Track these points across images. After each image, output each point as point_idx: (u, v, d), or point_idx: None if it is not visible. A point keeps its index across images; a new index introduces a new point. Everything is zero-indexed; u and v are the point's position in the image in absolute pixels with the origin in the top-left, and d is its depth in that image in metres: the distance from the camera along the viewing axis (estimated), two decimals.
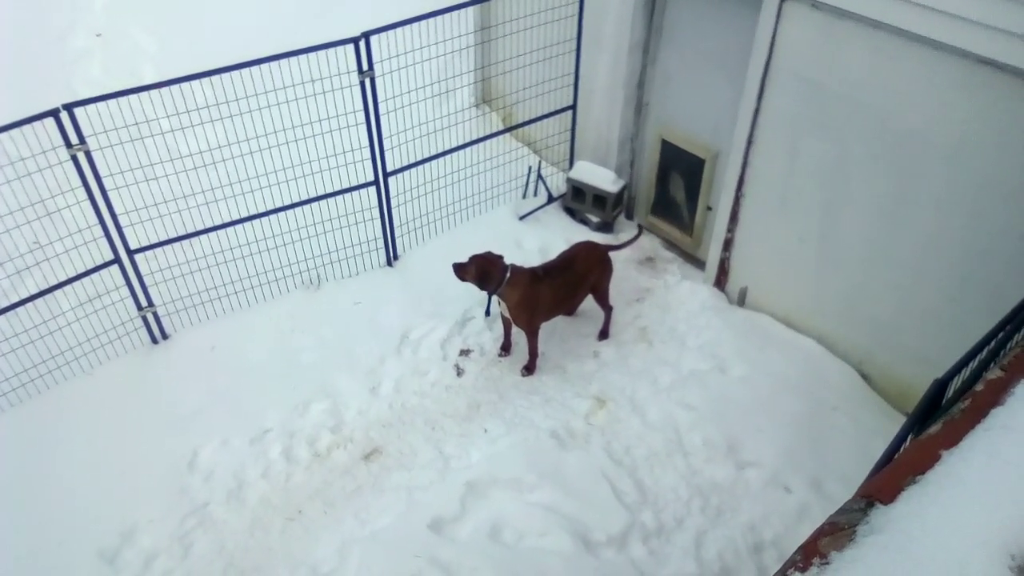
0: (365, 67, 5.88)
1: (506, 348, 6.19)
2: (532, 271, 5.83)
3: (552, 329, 6.29)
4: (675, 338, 6.28)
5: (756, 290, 6.48)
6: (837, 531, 1.58)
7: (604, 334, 6.33)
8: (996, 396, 1.90)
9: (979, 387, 2.00)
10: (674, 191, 7.11)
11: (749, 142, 5.94)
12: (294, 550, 4.98)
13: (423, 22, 6.08)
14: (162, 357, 6.14)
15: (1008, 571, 1.50)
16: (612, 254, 6.24)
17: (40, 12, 9.19)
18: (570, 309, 6.38)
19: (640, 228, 6.71)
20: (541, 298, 5.78)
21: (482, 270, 5.67)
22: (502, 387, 5.98)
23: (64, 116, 5.11)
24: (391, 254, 6.90)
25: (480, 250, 5.80)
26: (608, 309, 6.29)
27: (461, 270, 5.72)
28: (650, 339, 6.31)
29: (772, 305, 6.40)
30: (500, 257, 5.78)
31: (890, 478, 1.70)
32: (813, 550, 1.54)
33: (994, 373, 2.06)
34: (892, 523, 1.59)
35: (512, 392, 5.93)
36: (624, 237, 7.14)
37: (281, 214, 6.37)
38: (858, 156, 5.34)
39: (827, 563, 1.51)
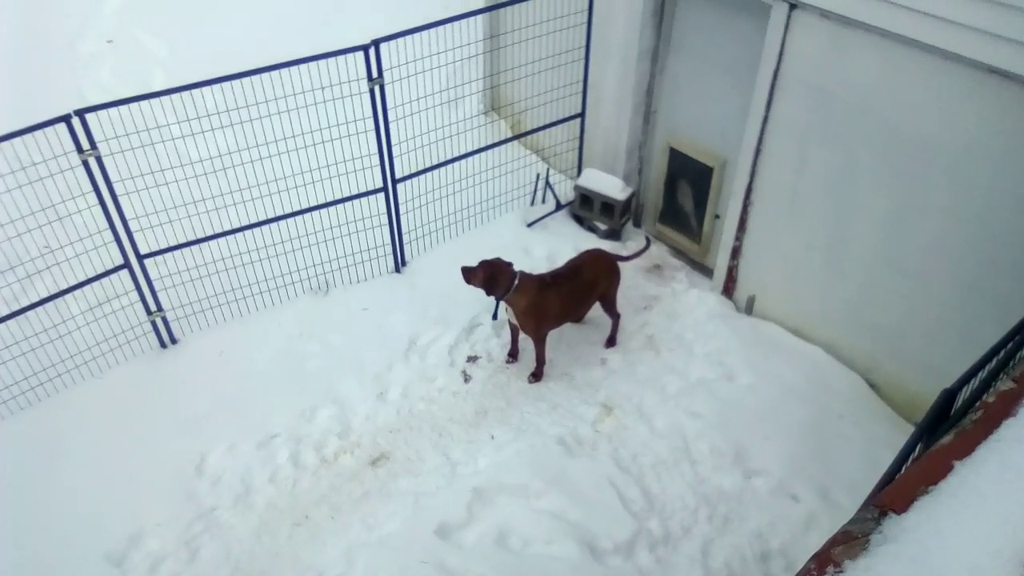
0: (374, 74, 5.91)
1: (513, 355, 6.20)
2: (540, 278, 5.84)
3: (559, 336, 6.30)
4: (682, 346, 6.28)
5: (764, 298, 6.47)
6: (850, 540, 1.59)
7: (611, 341, 6.34)
8: (1008, 407, 1.91)
9: (990, 398, 2.00)
10: (682, 199, 7.12)
11: (757, 150, 5.95)
12: (301, 555, 4.99)
13: (432, 30, 6.10)
14: (171, 362, 6.17)
15: None
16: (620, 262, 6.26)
17: (50, 18, 9.25)
18: (578, 317, 6.38)
19: (648, 240, 6.71)
20: (549, 305, 5.79)
21: (490, 275, 5.68)
22: (509, 393, 5.98)
23: (76, 122, 5.14)
24: (399, 260, 6.92)
25: (488, 257, 5.81)
26: (616, 317, 6.29)
27: (469, 274, 5.74)
28: (657, 347, 6.31)
29: (780, 313, 6.40)
30: (509, 264, 5.79)
31: (903, 488, 1.71)
32: (827, 559, 1.54)
33: (1005, 384, 2.06)
34: (905, 532, 1.59)
35: (519, 399, 5.94)
36: (632, 246, 7.16)
37: (290, 220, 6.40)
38: (866, 165, 5.34)
39: (841, 571, 1.51)
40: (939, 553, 1.54)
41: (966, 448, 1.80)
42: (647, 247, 6.58)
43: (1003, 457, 1.76)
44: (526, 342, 6.12)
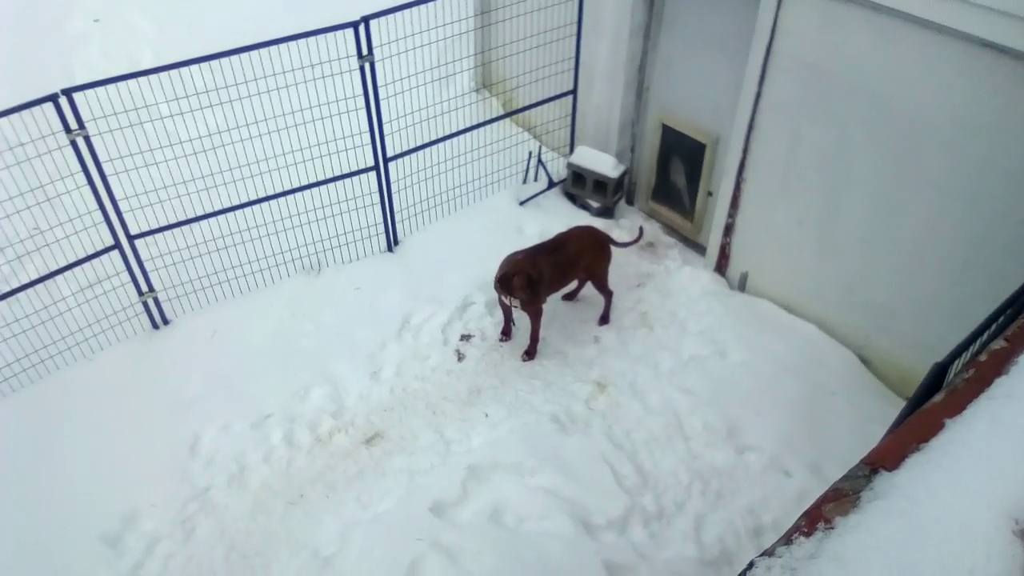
0: (365, 52, 5.86)
1: (507, 333, 6.19)
2: (530, 257, 5.81)
3: (553, 315, 6.29)
4: (675, 323, 6.28)
5: (756, 275, 6.48)
6: (841, 497, 1.59)
7: (604, 319, 6.33)
8: (1000, 366, 1.91)
9: (983, 357, 2.01)
10: (675, 176, 7.11)
11: (750, 127, 5.93)
12: (296, 534, 5.00)
13: (423, 6, 6.07)
14: (163, 342, 6.15)
15: (1012, 535, 1.51)
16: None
17: None
18: (567, 290, 6.35)
19: (641, 230, 6.68)
20: (540, 280, 5.78)
21: (528, 282, 5.59)
22: (503, 372, 5.98)
23: (63, 101, 5.10)
24: (391, 239, 6.90)
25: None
26: (608, 294, 6.29)
27: (505, 288, 5.68)
28: (651, 324, 6.31)
29: (772, 290, 6.40)
30: (522, 259, 5.71)
31: (894, 445, 1.71)
32: (818, 515, 1.55)
33: (998, 344, 2.07)
34: (896, 489, 1.60)
35: (513, 377, 5.94)
36: (625, 223, 7.18)
37: (281, 199, 6.37)
38: (859, 140, 5.33)
39: (831, 528, 1.52)
40: (930, 509, 1.55)
41: (957, 406, 1.80)
42: (640, 236, 6.57)
43: (994, 415, 1.77)
44: (519, 321, 6.12)
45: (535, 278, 5.64)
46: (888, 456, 1.68)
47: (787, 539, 1.52)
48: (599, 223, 6.88)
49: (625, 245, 6.40)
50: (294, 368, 5.90)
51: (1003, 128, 4.58)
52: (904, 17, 4.74)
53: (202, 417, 5.59)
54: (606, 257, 6.18)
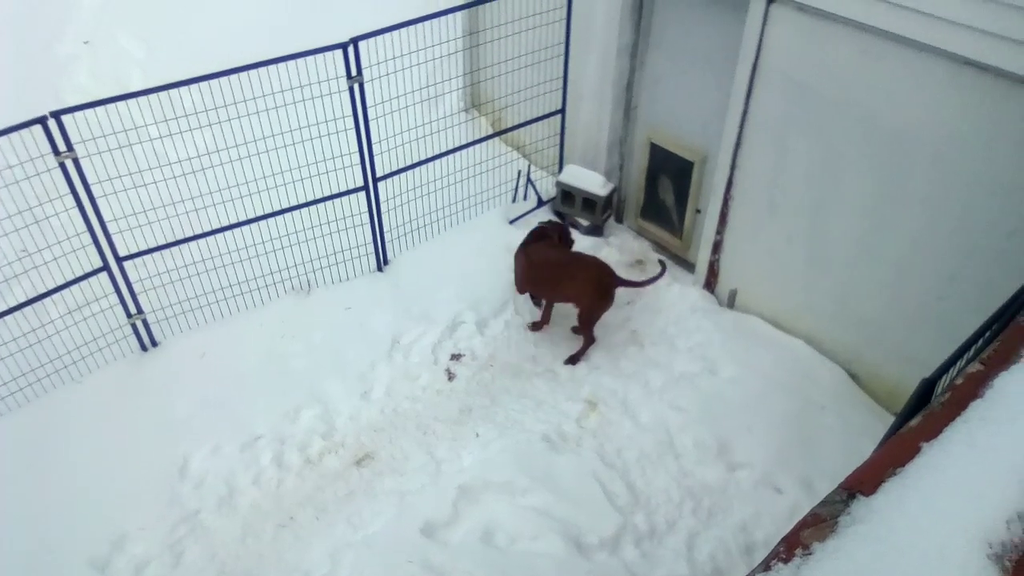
0: (354, 72, 5.89)
1: (538, 326, 6.46)
2: (536, 245, 6.15)
3: (543, 333, 6.30)
4: (665, 340, 6.29)
5: (745, 292, 6.49)
6: (819, 522, 1.60)
7: (572, 359, 6.17)
8: (975, 389, 1.93)
9: (959, 381, 2.02)
10: (663, 194, 7.14)
11: (737, 144, 5.97)
12: (286, 556, 4.97)
13: (411, 27, 6.10)
14: (152, 364, 6.12)
15: (986, 559, 1.52)
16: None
17: (27, 19, 9.17)
18: (546, 296, 6.37)
19: (663, 265, 6.48)
20: (520, 262, 6.13)
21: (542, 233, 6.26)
22: (493, 391, 5.98)
23: (52, 123, 5.10)
24: (381, 259, 6.90)
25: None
26: (587, 339, 6.15)
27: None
28: (641, 342, 6.32)
29: (761, 306, 6.42)
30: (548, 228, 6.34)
31: (871, 470, 1.72)
32: (796, 541, 1.56)
33: (974, 367, 2.09)
34: (873, 514, 1.60)
35: (504, 396, 5.93)
36: (614, 241, 7.21)
37: (271, 220, 6.37)
38: (846, 157, 5.36)
39: (810, 554, 1.52)
40: (907, 534, 1.56)
41: (934, 430, 1.81)
42: (662, 273, 6.35)
43: (970, 438, 1.78)
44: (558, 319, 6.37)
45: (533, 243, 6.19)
46: (865, 480, 1.69)
47: (766, 565, 1.53)
48: (588, 242, 6.90)
49: (643, 284, 6.26)
50: (284, 389, 5.89)
51: (988, 143, 4.62)
52: (888, 36, 4.79)
53: (191, 439, 5.56)
54: (601, 304, 6.05)
